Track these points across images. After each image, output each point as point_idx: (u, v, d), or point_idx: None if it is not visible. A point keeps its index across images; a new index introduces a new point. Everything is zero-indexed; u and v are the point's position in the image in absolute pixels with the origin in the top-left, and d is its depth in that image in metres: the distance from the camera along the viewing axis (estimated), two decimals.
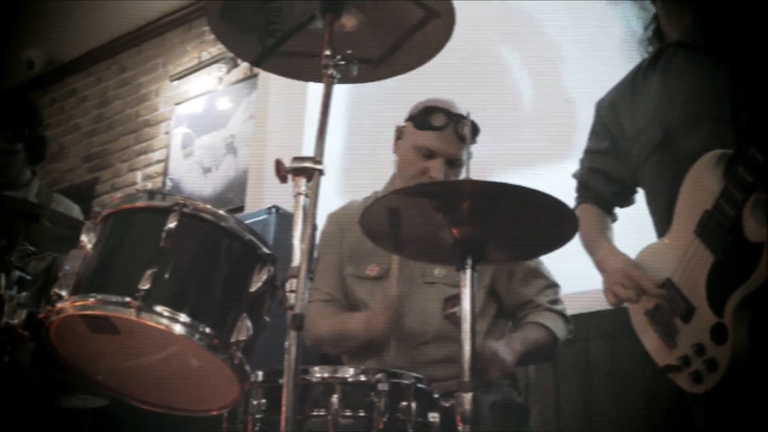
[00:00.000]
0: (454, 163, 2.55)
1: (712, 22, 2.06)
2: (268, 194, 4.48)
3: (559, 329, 2.54)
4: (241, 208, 4.77)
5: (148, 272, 1.64)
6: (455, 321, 1.76)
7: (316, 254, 2.65)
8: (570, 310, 2.72)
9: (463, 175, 2.58)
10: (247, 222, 3.65)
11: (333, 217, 2.77)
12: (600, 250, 2.21)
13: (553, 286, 2.63)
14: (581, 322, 2.95)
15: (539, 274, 2.61)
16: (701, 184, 1.93)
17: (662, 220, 2.10)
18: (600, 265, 2.19)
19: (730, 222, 1.83)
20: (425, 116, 2.53)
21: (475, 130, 2.48)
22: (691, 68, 2.07)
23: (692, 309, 1.93)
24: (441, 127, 2.49)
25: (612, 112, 2.29)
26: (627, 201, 2.35)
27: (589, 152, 2.37)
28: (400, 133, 2.67)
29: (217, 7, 1.82)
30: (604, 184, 2.33)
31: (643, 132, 2.15)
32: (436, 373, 2.33)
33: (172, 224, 1.69)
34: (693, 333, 1.92)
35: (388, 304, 2.36)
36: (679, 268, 1.98)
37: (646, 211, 2.23)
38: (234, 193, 4.96)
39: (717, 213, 1.87)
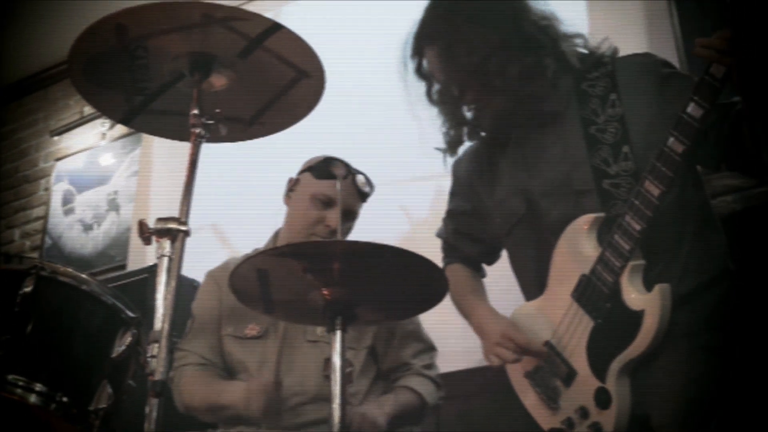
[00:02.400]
0: (350, 216, 2.54)
1: (562, 93, 2.06)
2: (151, 252, 4.36)
3: (429, 394, 2.51)
4: (123, 266, 4.64)
5: (1, 339, 1.57)
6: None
7: (192, 313, 2.61)
8: (451, 367, 2.72)
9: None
10: (128, 280, 3.65)
11: (211, 276, 2.69)
12: (476, 312, 2.19)
13: (430, 350, 2.62)
14: (462, 378, 2.96)
15: (417, 337, 2.60)
16: (576, 248, 1.95)
17: (530, 284, 2.11)
18: (478, 329, 2.17)
19: (608, 289, 1.86)
20: (326, 166, 2.53)
21: (370, 187, 2.52)
22: (546, 134, 2.08)
23: (573, 372, 1.94)
24: (341, 177, 2.48)
25: (469, 174, 2.29)
26: (493, 258, 2.36)
27: (451, 213, 2.37)
28: (293, 184, 2.64)
29: (81, 65, 1.78)
30: (470, 245, 2.33)
31: (504, 202, 2.14)
32: None
33: (27, 288, 1.62)
34: (575, 396, 1.94)
35: (266, 374, 2.29)
36: (558, 331, 1.99)
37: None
38: (116, 251, 4.83)
39: (595, 279, 1.89)
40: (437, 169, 3.70)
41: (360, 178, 2.53)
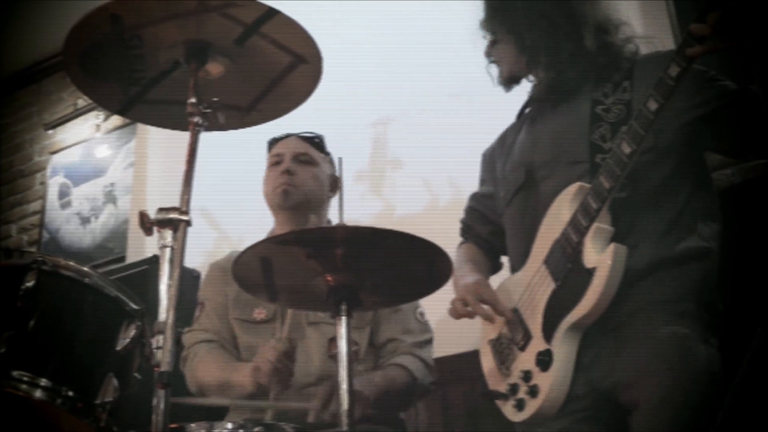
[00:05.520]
0: (300, 157, 2.64)
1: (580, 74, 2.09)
2: (150, 243, 4.36)
3: (420, 372, 2.51)
4: (122, 258, 4.63)
5: (4, 335, 1.56)
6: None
7: (200, 301, 2.63)
8: (456, 349, 2.71)
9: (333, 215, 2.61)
10: (127, 272, 3.65)
11: (216, 266, 2.74)
12: (457, 271, 2.18)
13: (423, 331, 2.62)
14: (468, 360, 2.95)
15: (408, 315, 2.60)
16: (558, 218, 1.95)
17: (518, 258, 2.11)
18: (454, 283, 2.17)
19: (572, 249, 1.87)
20: (272, 139, 2.72)
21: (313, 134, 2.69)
22: (556, 112, 2.11)
23: (529, 336, 1.94)
24: (284, 136, 2.69)
25: (491, 160, 2.33)
26: (504, 244, 2.31)
27: (473, 196, 2.39)
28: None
29: (76, 56, 1.76)
30: (480, 223, 2.34)
31: (509, 175, 2.18)
32: (324, 417, 2.27)
33: (29, 283, 1.61)
34: (525, 360, 1.94)
35: (276, 352, 2.29)
36: (524, 296, 2.00)
37: None
38: (115, 243, 4.83)
39: (563, 240, 1.90)
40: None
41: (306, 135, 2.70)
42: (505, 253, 2.31)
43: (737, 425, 1.46)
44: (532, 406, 1.87)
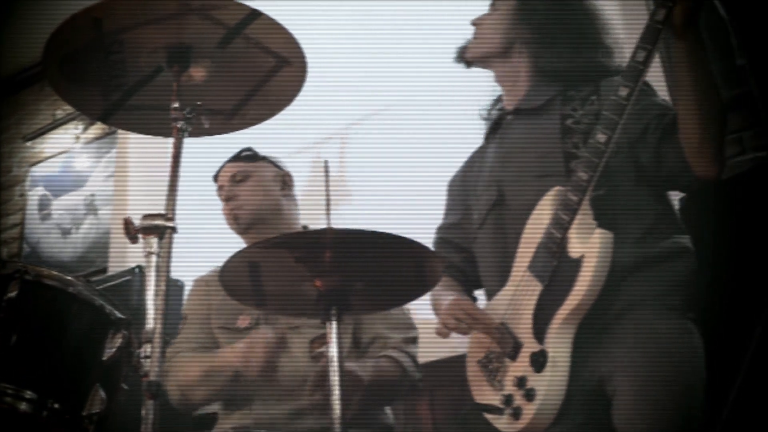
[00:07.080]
0: (236, 178, 2.66)
1: (543, 89, 2.11)
2: (132, 254, 4.33)
3: (409, 366, 2.48)
4: (104, 270, 4.59)
5: None
6: (323, 360, 1.71)
7: (183, 314, 2.61)
8: (444, 353, 2.69)
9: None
10: (110, 284, 3.61)
11: (200, 280, 2.73)
12: (436, 301, 2.12)
13: (408, 327, 2.59)
14: (456, 364, 2.94)
15: (394, 312, 2.57)
16: (540, 224, 1.91)
17: (496, 281, 2.05)
18: (434, 304, 2.13)
19: (556, 246, 1.82)
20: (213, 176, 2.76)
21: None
22: (524, 130, 2.09)
23: (519, 345, 1.87)
24: (220, 169, 2.72)
25: (462, 187, 2.29)
26: (477, 274, 2.24)
27: (440, 228, 2.34)
28: None
29: (56, 62, 1.73)
30: (452, 252, 2.26)
31: (482, 195, 2.14)
32: (310, 423, 2.30)
33: (12, 293, 1.58)
34: (517, 368, 1.85)
35: (266, 342, 2.26)
36: (510, 306, 1.93)
37: None
38: (96, 255, 4.77)
39: (546, 240, 1.86)
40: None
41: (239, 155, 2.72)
42: (478, 286, 2.24)
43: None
44: (529, 412, 1.78)
